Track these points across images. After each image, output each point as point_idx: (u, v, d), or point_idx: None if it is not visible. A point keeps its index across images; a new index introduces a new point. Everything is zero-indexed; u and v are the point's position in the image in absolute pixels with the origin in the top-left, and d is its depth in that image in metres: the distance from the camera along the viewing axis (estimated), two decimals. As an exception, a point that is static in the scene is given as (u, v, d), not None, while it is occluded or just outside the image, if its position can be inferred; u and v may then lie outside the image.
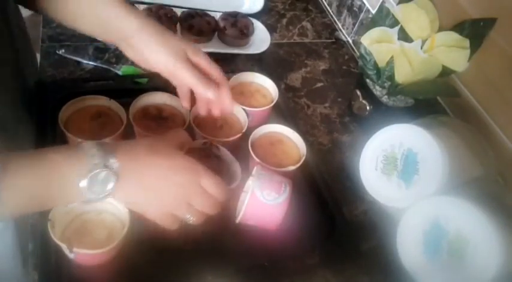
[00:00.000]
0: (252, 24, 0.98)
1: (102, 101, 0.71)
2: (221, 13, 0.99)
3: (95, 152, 0.46)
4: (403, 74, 0.76)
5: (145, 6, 0.94)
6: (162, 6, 0.93)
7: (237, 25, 0.95)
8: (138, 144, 0.54)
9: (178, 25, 0.95)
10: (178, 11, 0.95)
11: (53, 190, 0.45)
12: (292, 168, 0.69)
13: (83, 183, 0.45)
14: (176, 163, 0.51)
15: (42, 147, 0.46)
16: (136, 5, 0.95)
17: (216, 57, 0.93)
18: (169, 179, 0.50)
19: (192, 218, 0.53)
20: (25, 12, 0.67)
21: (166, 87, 0.76)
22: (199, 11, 0.96)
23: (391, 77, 0.78)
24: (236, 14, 0.98)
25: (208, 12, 0.97)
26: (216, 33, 0.98)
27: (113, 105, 0.71)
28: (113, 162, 0.46)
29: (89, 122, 0.69)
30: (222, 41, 0.97)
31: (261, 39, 1.00)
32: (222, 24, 0.95)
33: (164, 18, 0.91)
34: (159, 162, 0.50)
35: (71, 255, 0.55)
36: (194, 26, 0.93)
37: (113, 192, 0.47)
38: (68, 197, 0.46)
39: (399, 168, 0.67)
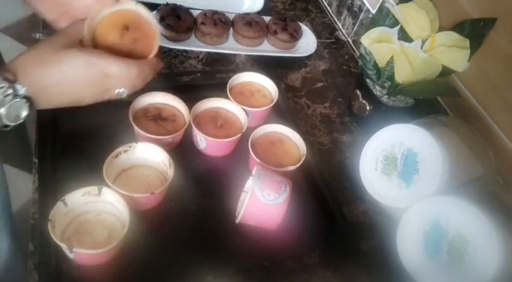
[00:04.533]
0: (300, 27, 1.02)
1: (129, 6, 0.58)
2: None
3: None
4: (403, 74, 0.76)
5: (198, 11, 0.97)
6: (215, 11, 0.96)
7: (287, 29, 0.98)
8: (29, 57, 0.52)
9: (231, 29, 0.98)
10: (230, 16, 0.98)
11: None
12: (292, 168, 0.69)
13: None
14: (73, 64, 0.52)
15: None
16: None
17: (215, 58, 0.95)
18: (75, 82, 0.52)
19: (122, 93, 0.57)
20: (25, 12, 0.66)
21: (167, 87, 0.77)
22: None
23: (391, 77, 0.78)
24: (285, 18, 1.01)
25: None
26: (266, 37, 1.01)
27: (142, 11, 0.58)
28: (20, 88, 0.49)
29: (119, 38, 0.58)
30: (272, 45, 1.01)
31: (308, 42, 1.03)
32: (273, 28, 0.98)
33: (219, 22, 0.94)
34: (58, 70, 0.51)
35: (71, 255, 0.55)
36: (251, 25, 0.96)
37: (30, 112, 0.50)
38: None
39: (399, 168, 0.67)
